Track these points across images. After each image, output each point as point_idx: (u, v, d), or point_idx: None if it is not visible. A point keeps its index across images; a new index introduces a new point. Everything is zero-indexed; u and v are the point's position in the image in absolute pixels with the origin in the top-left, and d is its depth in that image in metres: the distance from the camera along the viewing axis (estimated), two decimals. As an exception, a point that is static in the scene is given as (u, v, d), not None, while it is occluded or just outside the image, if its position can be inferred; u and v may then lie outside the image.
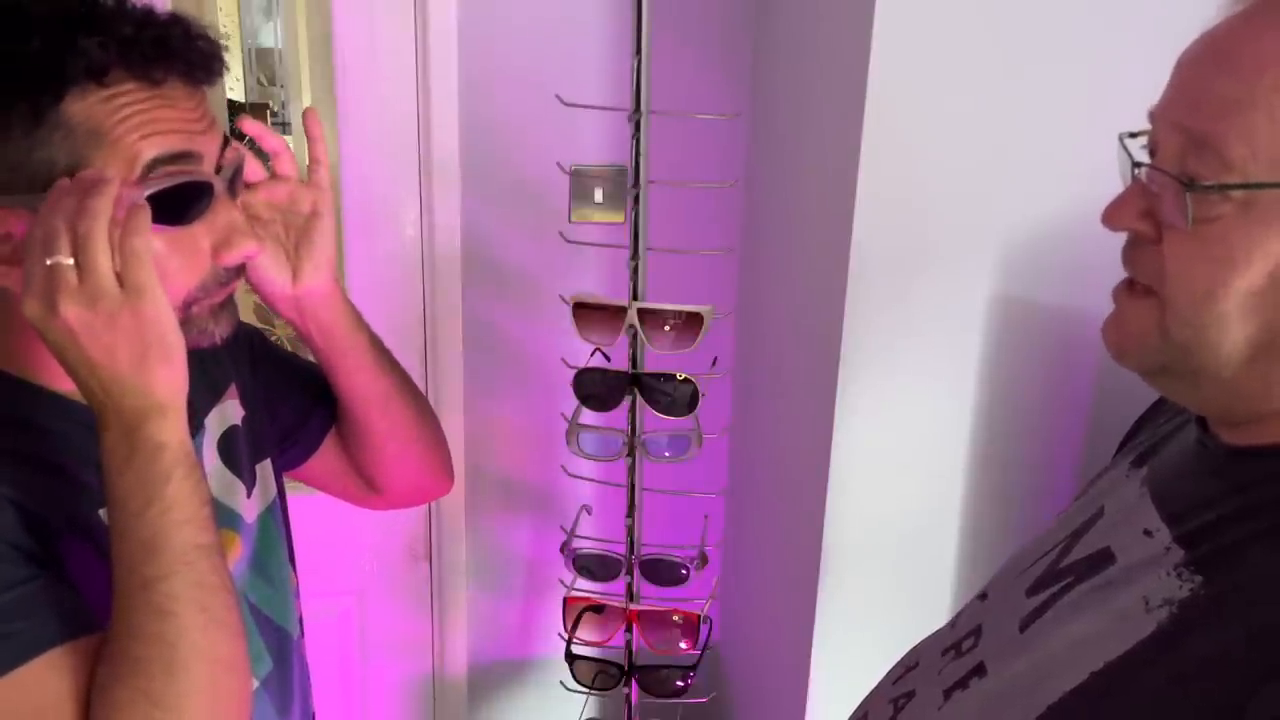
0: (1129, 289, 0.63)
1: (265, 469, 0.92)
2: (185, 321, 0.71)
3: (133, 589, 0.65)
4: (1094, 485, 0.79)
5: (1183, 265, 0.57)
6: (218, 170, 0.71)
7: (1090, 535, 0.70)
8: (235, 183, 0.75)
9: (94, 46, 0.63)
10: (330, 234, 0.86)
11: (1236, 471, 0.61)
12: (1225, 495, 0.60)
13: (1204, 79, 0.57)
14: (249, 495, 0.88)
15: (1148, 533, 0.63)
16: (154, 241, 0.66)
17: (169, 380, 0.66)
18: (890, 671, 0.85)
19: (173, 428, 0.66)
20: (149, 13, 0.67)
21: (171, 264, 0.69)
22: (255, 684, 0.85)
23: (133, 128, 0.65)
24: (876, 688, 0.85)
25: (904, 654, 0.86)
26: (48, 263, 0.62)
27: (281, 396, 0.97)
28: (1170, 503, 0.64)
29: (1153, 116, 0.61)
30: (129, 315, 0.63)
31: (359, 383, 0.93)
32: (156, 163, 0.66)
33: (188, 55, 0.67)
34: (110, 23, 0.64)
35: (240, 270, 0.75)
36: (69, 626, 0.66)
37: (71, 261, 0.62)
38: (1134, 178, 0.62)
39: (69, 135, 0.64)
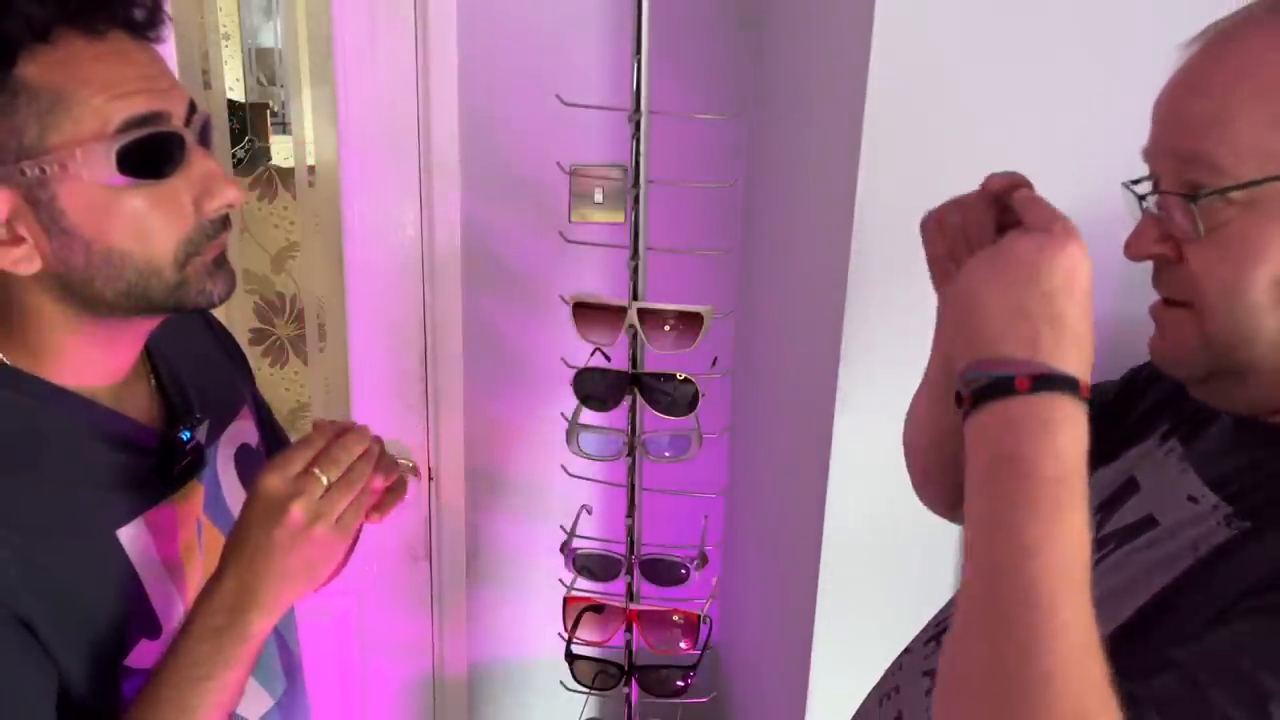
0: (1165, 303, 0.67)
1: None
2: (181, 282, 0.71)
3: None
4: (1115, 459, 0.80)
5: (1208, 271, 0.62)
6: (186, 124, 0.71)
7: (1129, 506, 0.72)
8: (206, 136, 0.74)
9: (31, 4, 0.63)
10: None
11: None
12: (1270, 465, 0.63)
13: (1182, 107, 0.63)
14: None
15: (1192, 499, 0.66)
16: (135, 200, 0.67)
17: (296, 596, 0.73)
18: (911, 647, 0.87)
19: (267, 626, 0.72)
20: None
21: (155, 221, 0.69)
22: (271, 703, 0.87)
23: (97, 89, 0.65)
24: (910, 650, 0.88)
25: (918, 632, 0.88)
26: (315, 472, 0.71)
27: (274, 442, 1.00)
28: (1213, 471, 0.67)
29: (1146, 154, 0.66)
30: (324, 544, 0.72)
31: None
32: (127, 125, 0.66)
33: (126, 6, 0.68)
34: None
35: (227, 222, 0.75)
36: None
37: (326, 481, 0.71)
38: (1143, 211, 0.66)
39: (32, 100, 0.64)
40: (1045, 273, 0.55)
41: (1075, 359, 0.54)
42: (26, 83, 0.64)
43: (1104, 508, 0.74)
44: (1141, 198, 0.66)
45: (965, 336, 0.57)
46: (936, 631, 0.84)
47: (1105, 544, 0.71)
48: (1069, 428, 0.53)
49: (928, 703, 0.73)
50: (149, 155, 0.67)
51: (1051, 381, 0.53)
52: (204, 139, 0.73)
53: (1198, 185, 0.60)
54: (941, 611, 0.87)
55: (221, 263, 0.75)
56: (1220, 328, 0.62)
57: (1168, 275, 0.65)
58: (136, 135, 0.66)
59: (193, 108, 0.72)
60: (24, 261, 0.67)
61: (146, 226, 0.68)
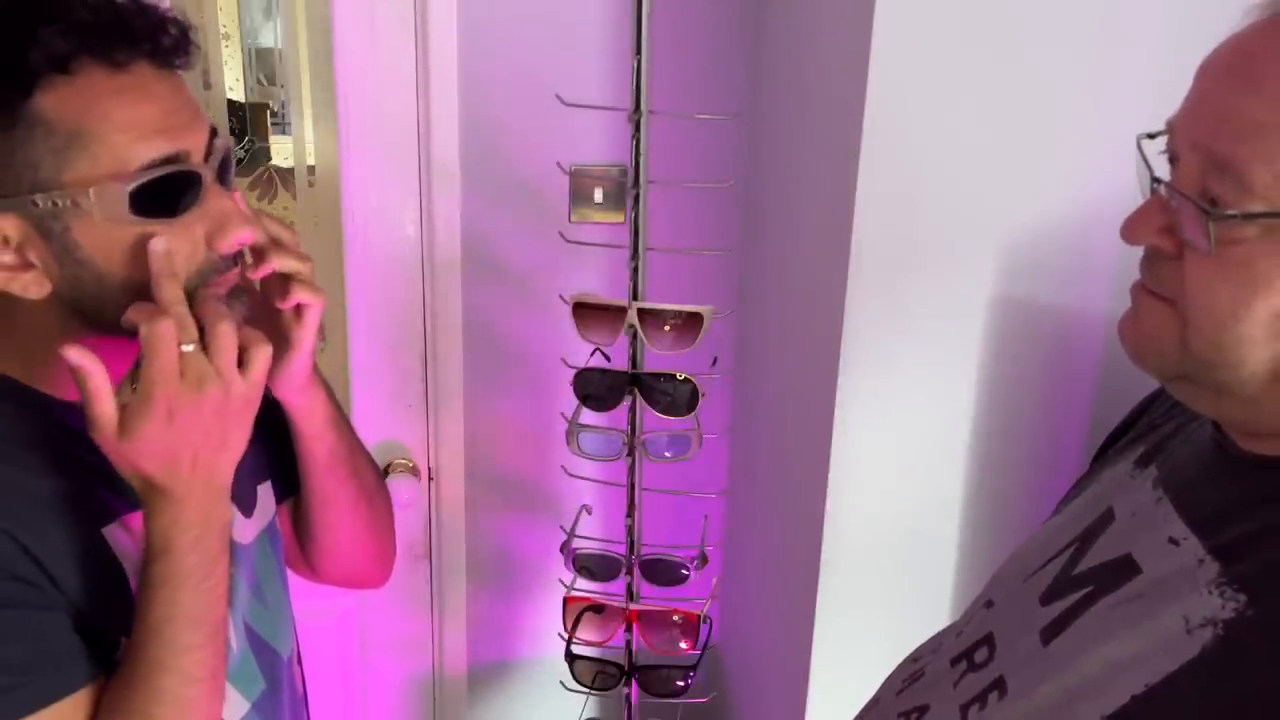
0: (1148, 290, 0.61)
1: (265, 490, 0.92)
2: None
3: (168, 655, 0.68)
4: (1093, 482, 0.78)
5: (1204, 286, 0.56)
6: (206, 158, 0.71)
7: (1105, 540, 0.68)
8: (226, 168, 0.74)
9: (54, 35, 0.63)
10: (305, 345, 0.82)
11: (1266, 482, 0.59)
12: (1255, 506, 0.58)
13: (1228, 97, 0.55)
14: (249, 516, 0.88)
15: (1173, 541, 0.61)
16: (149, 234, 0.67)
17: (234, 461, 0.71)
18: (890, 681, 0.84)
19: (229, 506, 0.72)
20: None
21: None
22: (247, 706, 0.85)
23: (116, 128, 0.65)
24: (879, 700, 0.84)
25: (902, 661, 0.85)
26: (185, 350, 0.66)
27: (270, 439, 0.96)
28: (1193, 508, 0.62)
29: (1171, 126, 0.59)
30: (243, 399, 0.69)
31: (324, 482, 0.92)
32: (145, 167, 0.66)
33: (151, 36, 0.67)
34: (68, 10, 0.64)
35: (239, 258, 0.75)
36: (79, 675, 0.68)
37: (192, 348, 0.67)
38: (1154, 191, 0.60)
39: (49, 133, 0.64)
40: None
41: None
42: (43, 116, 0.63)
43: (1082, 540, 0.69)
44: (1156, 180, 0.59)
45: None
46: (914, 669, 0.81)
47: (1082, 583, 0.66)
48: None
49: None
50: (164, 195, 0.67)
51: None
52: (224, 171, 0.73)
53: (1219, 198, 0.54)
54: (919, 648, 0.84)
55: (236, 296, 0.75)
56: (1204, 344, 0.57)
57: (1160, 269, 0.60)
58: (153, 177, 0.66)
59: (213, 135, 0.71)
60: (33, 286, 0.67)
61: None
